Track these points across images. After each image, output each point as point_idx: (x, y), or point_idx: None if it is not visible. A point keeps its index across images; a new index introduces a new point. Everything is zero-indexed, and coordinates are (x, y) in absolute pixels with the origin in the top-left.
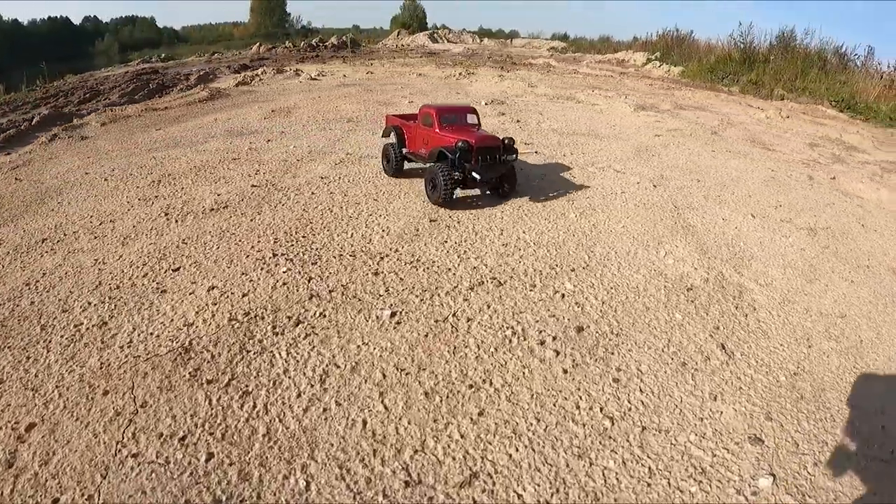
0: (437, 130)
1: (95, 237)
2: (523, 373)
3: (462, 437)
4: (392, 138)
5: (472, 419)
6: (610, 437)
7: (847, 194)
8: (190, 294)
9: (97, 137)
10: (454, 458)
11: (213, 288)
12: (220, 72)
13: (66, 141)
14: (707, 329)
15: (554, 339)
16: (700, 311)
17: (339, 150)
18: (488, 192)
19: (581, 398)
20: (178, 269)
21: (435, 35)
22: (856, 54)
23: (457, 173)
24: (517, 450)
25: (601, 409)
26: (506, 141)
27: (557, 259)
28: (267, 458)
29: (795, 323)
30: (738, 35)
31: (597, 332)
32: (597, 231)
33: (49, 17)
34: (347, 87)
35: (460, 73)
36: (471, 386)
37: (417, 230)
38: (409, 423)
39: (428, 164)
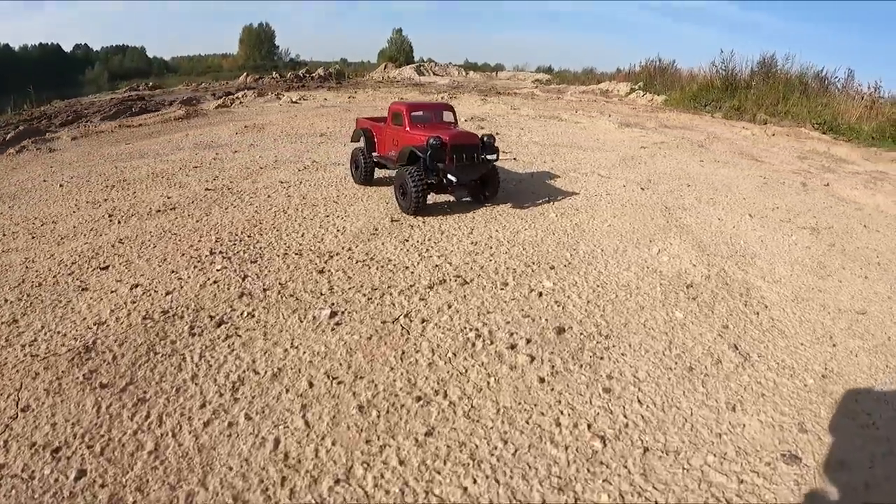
0: (408, 129)
1: (33, 237)
2: (488, 382)
3: (401, 463)
4: (361, 142)
5: (416, 440)
6: (601, 463)
7: (843, 199)
8: (111, 292)
9: (65, 150)
10: (388, 492)
11: (136, 286)
12: (205, 98)
13: (33, 153)
14: (715, 328)
15: (528, 342)
16: (704, 309)
17: (305, 160)
18: (467, 198)
19: (563, 413)
20: (106, 267)
21: (421, 68)
22: (836, 77)
23: (431, 177)
24: (475, 481)
25: (589, 427)
26: (485, 139)
27: (535, 257)
28: (147, 481)
29: (814, 320)
30: (719, 62)
31: (581, 334)
32: (580, 230)
33: (41, 44)
34: (327, 108)
35: (442, 98)
36: (419, 398)
37: (376, 229)
38: (333, 444)
39: (398, 168)
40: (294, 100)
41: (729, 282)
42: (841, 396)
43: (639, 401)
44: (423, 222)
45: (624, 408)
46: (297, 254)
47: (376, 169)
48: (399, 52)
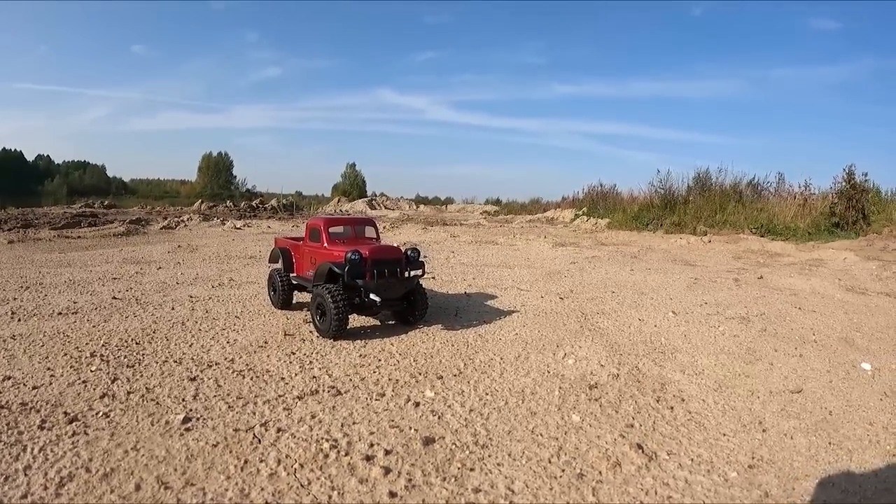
0: (325, 245)
1: None
2: (330, 497)
3: None
4: (279, 263)
5: None
6: None
7: (777, 288)
8: None
9: None
10: None
11: (8, 378)
12: (154, 220)
13: None
14: (617, 429)
15: (388, 453)
16: (607, 410)
17: (224, 278)
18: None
19: None
20: None
21: (373, 202)
22: (768, 182)
23: (353, 296)
24: None
25: None
26: (409, 253)
27: (425, 368)
28: None
29: (740, 407)
30: (657, 182)
31: (453, 445)
32: (482, 340)
33: (3, 149)
34: (266, 234)
35: (385, 227)
36: None
37: (266, 342)
38: None
39: (314, 287)
40: (238, 226)
41: (641, 379)
42: (773, 487)
43: None
44: (317, 337)
45: None
46: (176, 361)
47: (296, 292)
48: (352, 185)
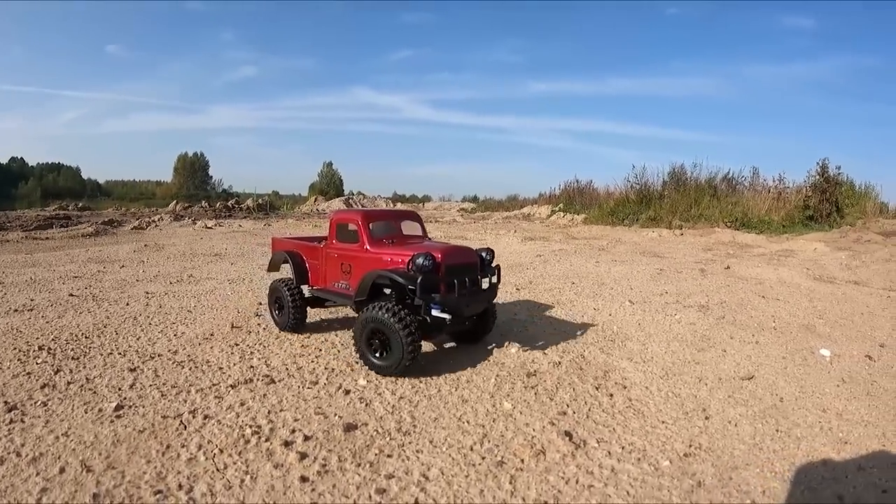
0: (368, 247)
1: None
2: (242, 480)
3: None
4: (287, 272)
5: None
6: None
7: (743, 278)
8: None
9: None
10: None
11: None
12: (127, 221)
13: None
14: (548, 416)
15: (307, 439)
16: (542, 398)
17: (184, 275)
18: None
19: None
20: None
21: (350, 200)
22: (743, 176)
23: (424, 316)
24: None
25: None
26: (484, 255)
27: None
28: None
29: (685, 395)
30: (633, 177)
31: (375, 431)
32: None
33: None
34: (237, 233)
35: None
36: (159, 492)
37: (212, 334)
38: None
39: (357, 305)
40: (209, 225)
41: (584, 367)
42: (708, 476)
43: (416, 503)
44: (265, 328)
45: None
46: (121, 354)
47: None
48: (329, 185)
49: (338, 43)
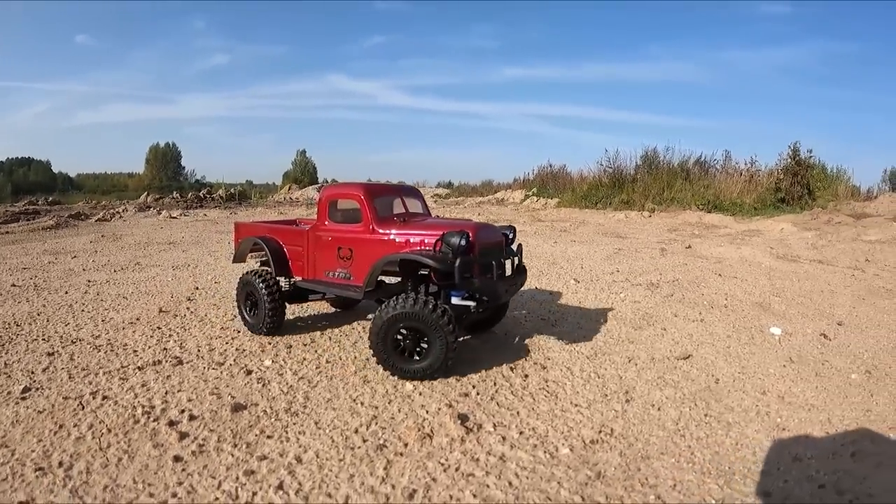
0: (375, 227)
1: None
2: (119, 459)
3: None
4: (256, 262)
5: None
6: None
7: (702, 257)
8: None
9: None
10: None
11: None
12: (94, 214)
13: None
14: (449, 398)
15: (193, 419)
16: (448, 378)
17: (132, 263)
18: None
19: (175, 496)
20: None
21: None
22: (715, 160)
23: (464, 300)
24: None
25: None
26: (508, 234)
27: (279, 339)
28: None
29: (609, 376)
30: (605, 161)
31: (263, 411)
32: (354, 312)
33: None
34: (198, 222)
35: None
36: (39, 469)
37: (139, 319)
38: None
39: (370, 295)
40: (173, 215)
41: (506, 345)
42: (612, 467)
43: (280, 486)
44: (192, 311)
45: (255, 494)
46: (45, 340)
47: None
48: (303, 173)
49: (311, 30)
